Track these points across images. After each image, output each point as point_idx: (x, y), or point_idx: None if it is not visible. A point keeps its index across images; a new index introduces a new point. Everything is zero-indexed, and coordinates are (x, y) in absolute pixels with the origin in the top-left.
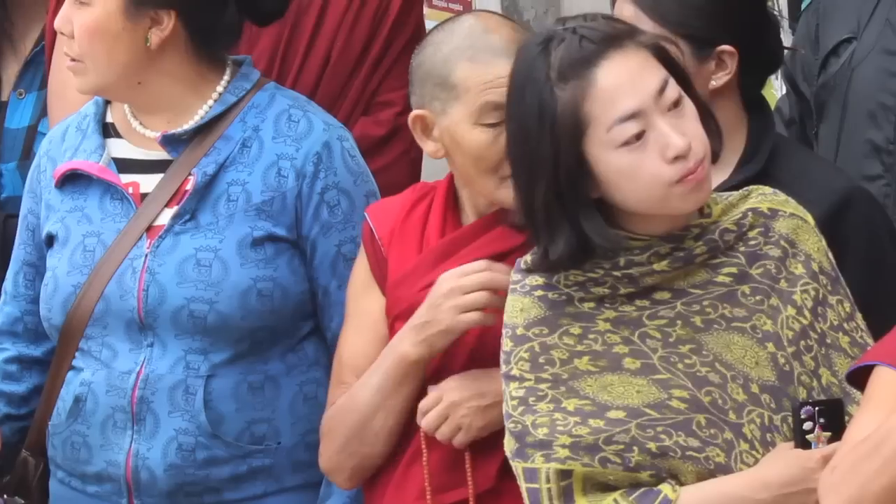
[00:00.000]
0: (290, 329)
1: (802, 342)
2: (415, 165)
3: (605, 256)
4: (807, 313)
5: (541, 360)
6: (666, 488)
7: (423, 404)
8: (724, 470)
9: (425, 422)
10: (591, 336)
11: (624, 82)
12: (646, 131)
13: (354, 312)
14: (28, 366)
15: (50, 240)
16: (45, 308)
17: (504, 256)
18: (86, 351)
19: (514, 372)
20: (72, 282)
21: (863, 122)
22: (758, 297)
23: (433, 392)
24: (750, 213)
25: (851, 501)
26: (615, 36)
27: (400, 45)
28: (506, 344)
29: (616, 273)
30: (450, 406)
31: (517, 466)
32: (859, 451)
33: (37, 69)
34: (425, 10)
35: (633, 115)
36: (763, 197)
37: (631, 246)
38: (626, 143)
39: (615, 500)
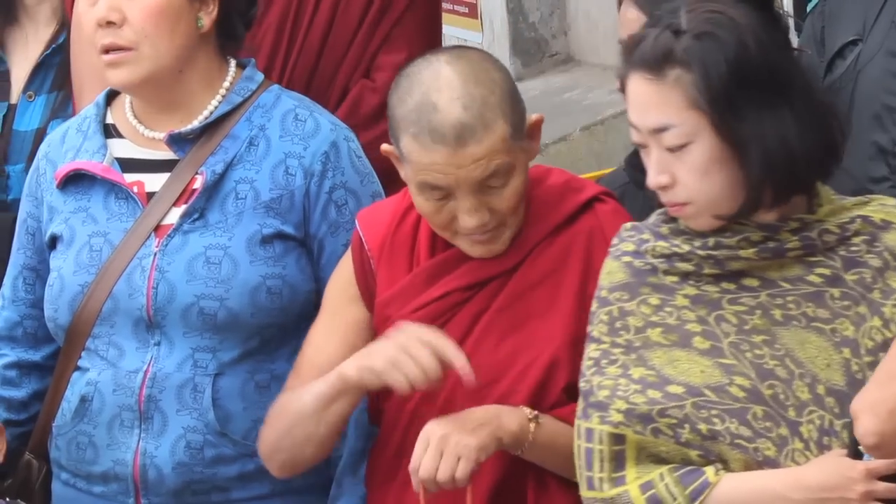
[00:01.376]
0: (297, 328)
1: (882, 354)
2: None
3: (698, 233)
4: (893, 327)
5: (617, 324)
6: (709, 471)
7: (413, 462)
8: (773, 464)
9: (423, 469)
10: (668, 309)
11: (634, 101)
12: (646, 147)
13: (332, 312)
14: (27, 371)
15: (53, 241)
16: (52, 308)
17: (491, 280)
18: (92, 350)
19: (594, 333)
20: (79, 281)
21: (868, 124)
22: (846, 303)
23: (418, 444)
24: (859, 220)
25: (892, 417)
26: (665, 56)
27: (400, 7)
28: (593, 304)
29: (701, 252)
30: (440, 441)
31: (580, 426)
32: (893, 369)
33: (47, 72)
34: None
35: (635, 128)
36: (881, 207)
37: (726, 228)
38: (638, 146)
39: (661, 474)
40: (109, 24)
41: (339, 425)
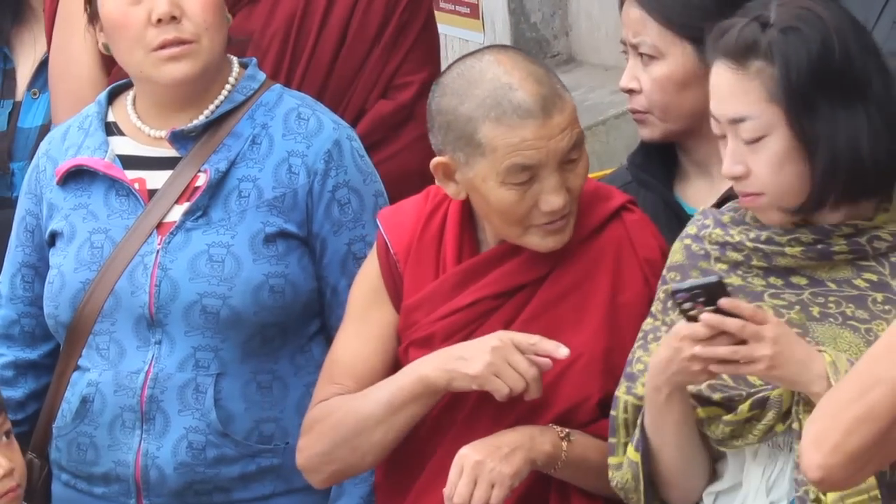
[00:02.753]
0: (299, 327)
1: None
2: (428, 152)
3: (757, 226)
4: None
5: (669, 303)
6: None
7: (447, 489)
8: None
9: (458, 496)
10: None
11: (716, 90)
12: (724, 137)
13: (360, 317)
14: (24, 371)
15: (53, 238)
16: (52, 305)
17: (521, 289)
18: (93, 348)
19: (653, 309)
20: (80, 278)
21: None
22: (887, 307)
23: (452, 469)
24: None
25: (835, 451)
26: (749, 48)
27: (417, 26)
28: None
29: (751, 244)
30: (474, 467)
31: (616, 394)
32: (840, 399)
33: None
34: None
35: (714, 118)
36: None
37: (783, 225)
38: (718, 136)
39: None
40: (173, 19)
41: (407, 430)
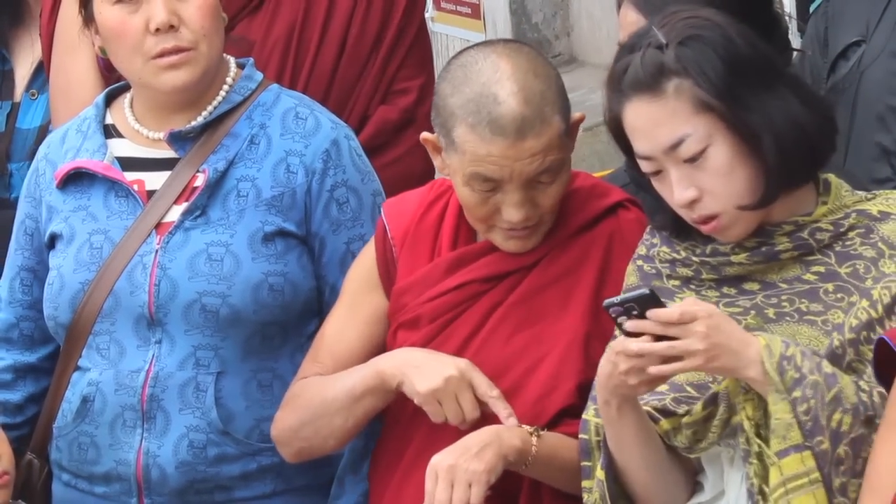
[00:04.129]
0: (298, 326)
1: (864, 333)
2: (429, 156)
3: (702, 240)
4: (880, 308)
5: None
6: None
7: (427, 499)
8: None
9: (438, 502)
10: None
11: (639, 128)
12: (661, 171)
13: (352, 300)
14: (23, 374)
15: (52, 240)
16: (52, 307)
17: (510, 274)
18: (93, 348)
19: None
20: (79, 279)
21: (872, 125)
22: (839, 295)
23: (427, 478)
24: (853, 214)
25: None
26: (658, 72)
27: (412, 32)
28: None
29: (696, 259)
30: (448, 471)
31: (584, 417)
32: None
33: None
34: (434, 13)
35: (646, 157)
36: (885, 201)
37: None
38: (651, 175)
39: None
40: (171, 27)
41: (366, 420)
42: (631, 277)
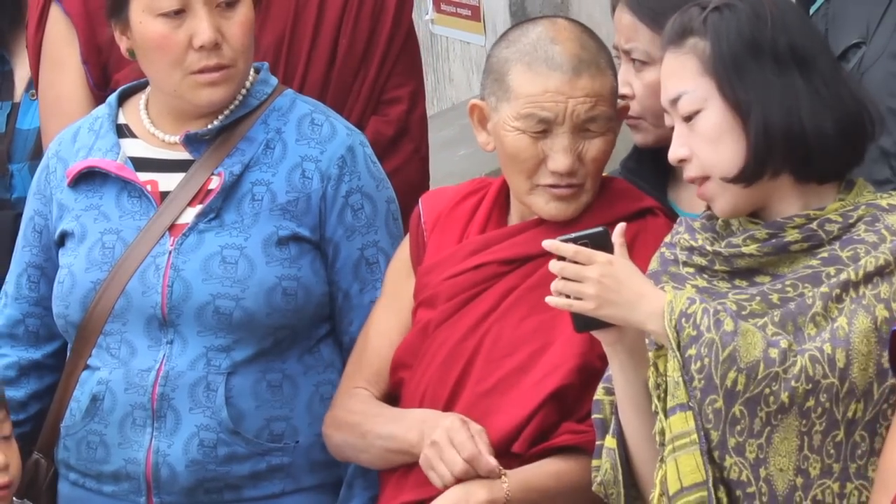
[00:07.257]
0: (308, 330)
1: (837, 291)
2: (425, 163)
3: (725, 233)
4: (860, 272)
5: None
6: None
7: None
8: None
9: None
10: None
11: (662, 77)
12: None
13: (390, 293)
14: (27, 371)
15: (62, 239)
16: (62, 305)
17: (530, 259)
18: (103, 348)
19: None
20: (91, 278)
21: None
22: (840, 274)
23: None
24: (863, 206)
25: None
26: (686, 29)
27: (400, 40)
28: None
29: (711, 248)
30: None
31: (595, 398)
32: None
33: None
34: (434, 15)
35: (664, 109)
36: None
37: (739, 226)
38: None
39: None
40: (215, 45)
41: (394, 465)
42: (653, 263)
